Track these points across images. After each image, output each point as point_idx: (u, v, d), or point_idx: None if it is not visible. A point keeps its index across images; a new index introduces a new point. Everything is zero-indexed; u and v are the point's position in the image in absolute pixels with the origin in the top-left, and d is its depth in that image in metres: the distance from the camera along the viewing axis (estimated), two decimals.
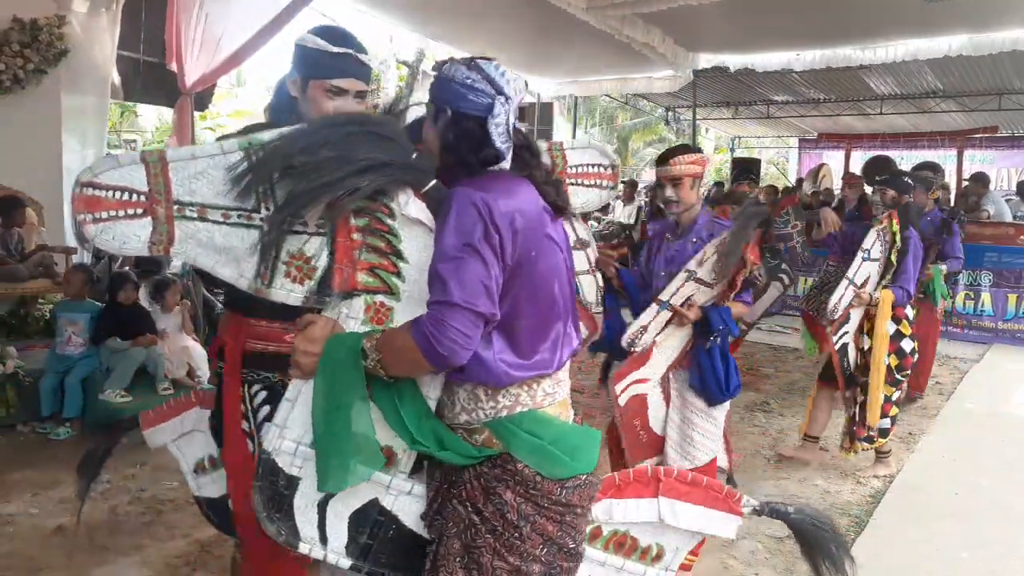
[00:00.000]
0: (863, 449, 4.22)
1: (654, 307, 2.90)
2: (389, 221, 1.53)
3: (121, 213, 1.46)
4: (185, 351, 4.83)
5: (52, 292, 5.28)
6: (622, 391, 2.92)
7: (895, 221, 3.93)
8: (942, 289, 5.52)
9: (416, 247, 1.53)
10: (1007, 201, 9.24)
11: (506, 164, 1.52)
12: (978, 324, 8.19)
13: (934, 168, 6.00)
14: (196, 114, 7.14)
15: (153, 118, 16.00)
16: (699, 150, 3.07)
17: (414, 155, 1.53)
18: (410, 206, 1.52)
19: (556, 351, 1.54)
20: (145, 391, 4.57)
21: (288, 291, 1.54)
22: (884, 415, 4.15)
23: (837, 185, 9.28)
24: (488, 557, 1.46)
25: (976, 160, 12.64)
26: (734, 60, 9.42)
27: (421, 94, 1.59)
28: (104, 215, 1.45)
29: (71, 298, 4.78)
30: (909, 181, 4.36)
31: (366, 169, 1.47)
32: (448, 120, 1.51)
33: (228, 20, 6.26)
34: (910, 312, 4.21)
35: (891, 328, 4.07)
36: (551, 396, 1.55)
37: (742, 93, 12.08)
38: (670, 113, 13.89)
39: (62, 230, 5.86)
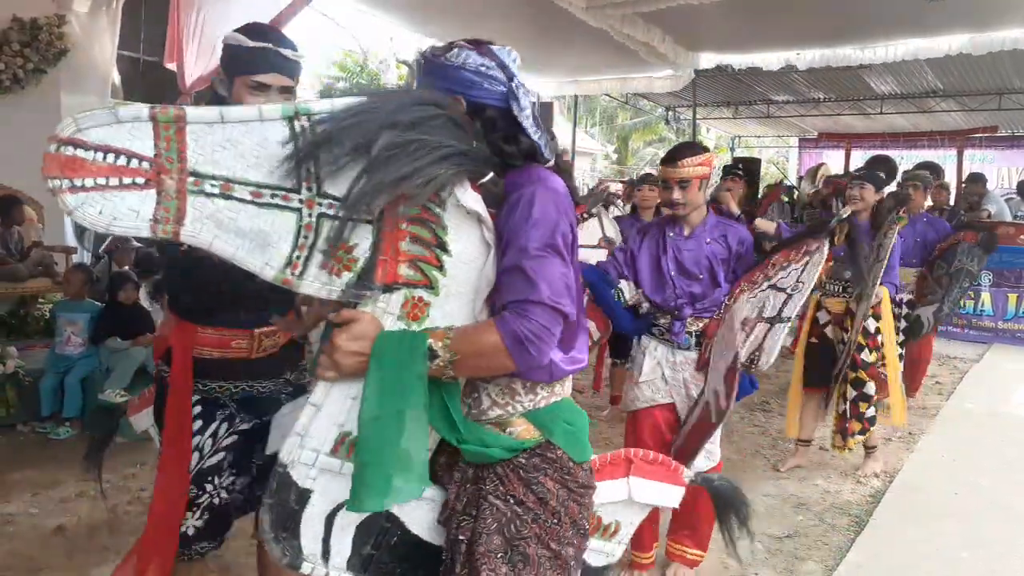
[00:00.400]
0: (856, 444, 4.23)
1: (765, 324, 2.87)
2: (438, 210, 1.37)
3: (113, 181, 1.19)
4: None
5: (52, 292, 5.29)
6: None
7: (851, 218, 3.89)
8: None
9: (461, 240, 1.39)
10: (1008, 200, 9.25)
11: (551, 158, 1.46)
12: (978, 324, 8.19)
13: (934, 168, 6.01)
14: None
15: None
16: (706, 149, 2.98)
17: (476, 144, 1.41)
18: (467, 196, 1.37)
19: (586, 343, 1.55)
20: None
21: (322, 284, 1.34)
22: (871, 405, 4.16)
23: None
24: (534, 547, 1.44)
25: (976, 160, 12.63)
26: (734, 60, 9.42)
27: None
28: (88, 182, 1.17)
29: (71, 298, 4.78)
30: (882, 176, 4.34)
31: (444, 157, 1.33)
32: (465, 111, 1.42)
33: (228, 20, 6.26)
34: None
35: (872, 325, 4.08)
36: (569, 383, 1.57)
37: (742, 93, 12.08)
38: (670, 113, 13.89)
39: (62, 230, 5.86)
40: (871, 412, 4.16)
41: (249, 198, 1.27)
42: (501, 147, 1.42)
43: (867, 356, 4.09)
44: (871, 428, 4.20)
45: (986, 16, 7.10)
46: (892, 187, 6.77)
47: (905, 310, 5.06)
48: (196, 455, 2.00)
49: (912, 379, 5.64)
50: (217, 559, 3.02)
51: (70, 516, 3.33)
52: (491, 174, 1.41)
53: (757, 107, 13.06)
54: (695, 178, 2.79)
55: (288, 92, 1.90)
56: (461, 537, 1.47)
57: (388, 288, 1.36)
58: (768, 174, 17.91)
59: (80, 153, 1.17)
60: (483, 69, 1.41)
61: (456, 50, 1.43)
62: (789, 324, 2.96)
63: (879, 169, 4.86)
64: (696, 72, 9.72)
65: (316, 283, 1.33)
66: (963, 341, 7.90)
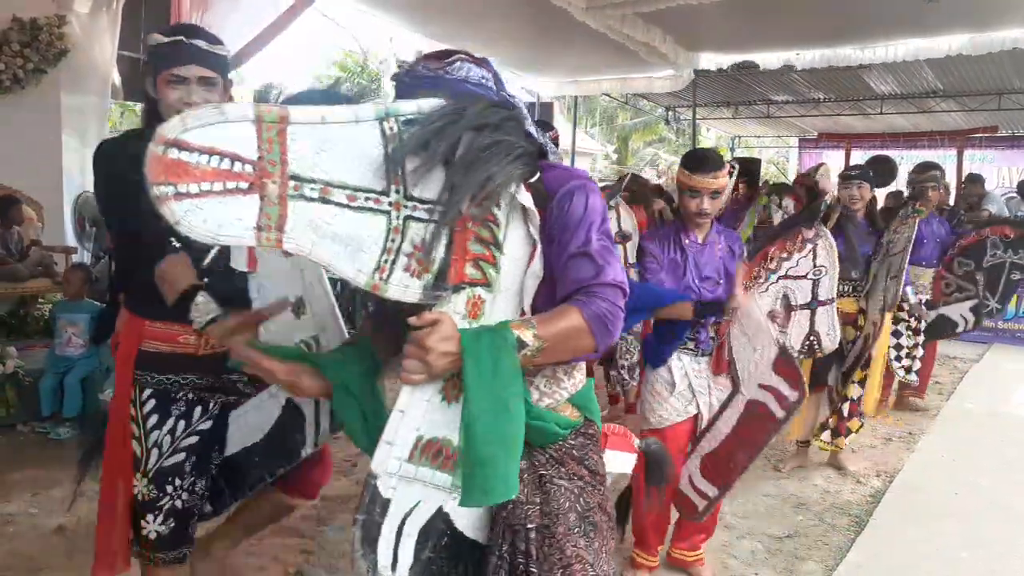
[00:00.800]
0: (844, 445, 4.25)
1: (804, 311, 3.08)
2: (496, 209, 1.39)
3: (218, 186, 1.12)
4: None
5: (52, 292, 5.29)
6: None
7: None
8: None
9: (511, 237, 1.42)
10: (1008, 200, 9.24)
11: (553, 158, 1.57)
12: None
13: (935, 168, 6.00)
14: None
15: None
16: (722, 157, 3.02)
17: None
18: (523, 194, 1.41)
19: None
20: None
21: (405, 287, 1.32)
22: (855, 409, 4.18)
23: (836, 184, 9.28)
24: (598, 515, 1.56)
25: (976, 160, 12.62)
26: (734, 60, 9.41)
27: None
28: (194, 188, 1.10)
29: (70, 298, 4.78)
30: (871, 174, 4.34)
31: (518, 157, 1.38)
32: None
33: (230, 20, 6.26)
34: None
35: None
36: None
37: (742, 93, 12.07)
38: (670, 113, 13.88)
39: (62, 230, 5.86)
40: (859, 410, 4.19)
41: (345, 202, 1.24)
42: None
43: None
44: (855, 431, 4.22)
45: (986, 16, 7.10)
46: (893, 187, 6.78)
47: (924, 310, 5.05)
48: (155, 452, 2.02)
49: (922, 380, 5.64)
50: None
51: (70, 516, 3.33)
52: (539, 174, 1.48)
53: (757, 107, 13.05)
54: (723, 188, 2.82)
55: (208, 83, 1.96)
56: (530, 525, 1.50)
57: (457, 288, 1.37)
58: (768, 174, 17.90)
59: (184, 156, 1.10)
60: (484, 81, 1.48)
61: (458, 63, 1.47)
62: (833, 304, 3.16)
63: (879, 169, 4.86)
64: (696, 72, 9.72)
65: (399, 287, 1.31)
66: (963, 341, 7.87)
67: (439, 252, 1.34)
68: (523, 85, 10.38)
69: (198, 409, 2.09)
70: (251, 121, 1.14)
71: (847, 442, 4.26)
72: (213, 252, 1.98)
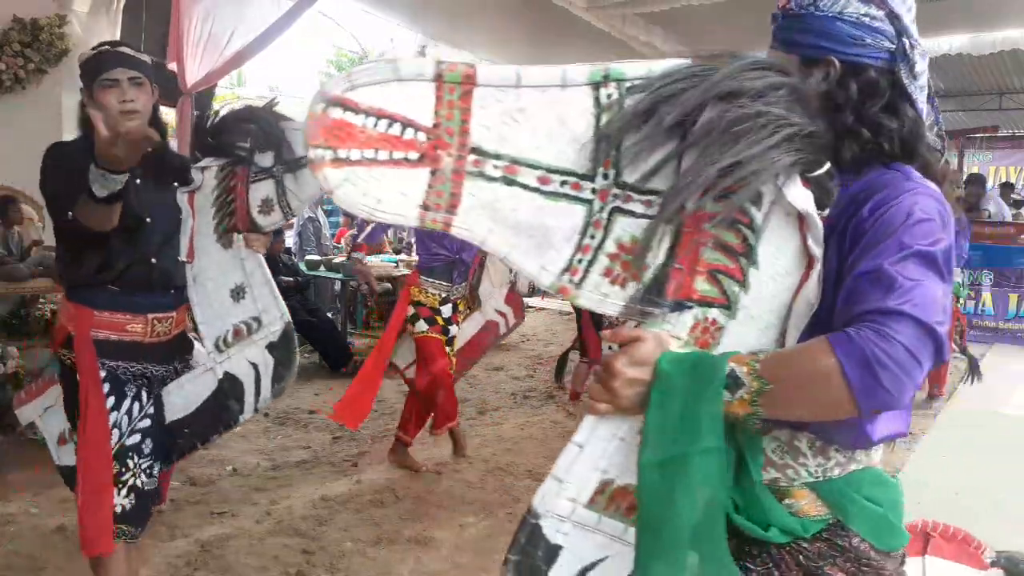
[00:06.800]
0: None
1: None
2: (753, 211, 1.06)
3: (383, 155, 0.97)
4: None
5: (52, 292, 5.28)
6: None
7: None
8: None
9: (772, 248, 1.07)
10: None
11: (933, 152, 1.17)
12: (979, 324, 8.19)
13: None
14: (196, 114, 7.14)
15: None
16: None
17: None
18: (795, 192, 1.05)
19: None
20: None
21: (604, 295, 1.09)
22: None
23: None
24: None
25: (976, 160, 12.63)
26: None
27: None
28: (355, 155, 0.96)
29: None
30: None
31: (786, 139, 1.01)
32: (838, 74, 1.12)
33: (231, 20, 6.26)
34: None
35: None
36: (881, 450, 1.19)
37: None
38: None
39: None
40: None
41: (535, 184, 1.03)
42: (880, 122, 1.11)
43: None
44: None
45: (986, 16, 7.10)
46: None
47: None
48: (116, 432, 2.15)
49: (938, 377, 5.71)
50: (218, 559, 3.03)
51: (70, 516, 3.32)
52: (828, 165, 1.09)
53: None
54: None
55: (137, 83, 2.15)
56: None
57: (679, 305, 1.08)
58: None
59: (349, 117, 0.96)
60: (866, 20, 1.10)
61: None
62: None
63: None
64: None
65: (595, 294, 1.08)
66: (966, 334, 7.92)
67: (656, 257, 1.07)
68: None
69: (145, 392, 2.25)
70: (429, 80, 0.98)
71: None
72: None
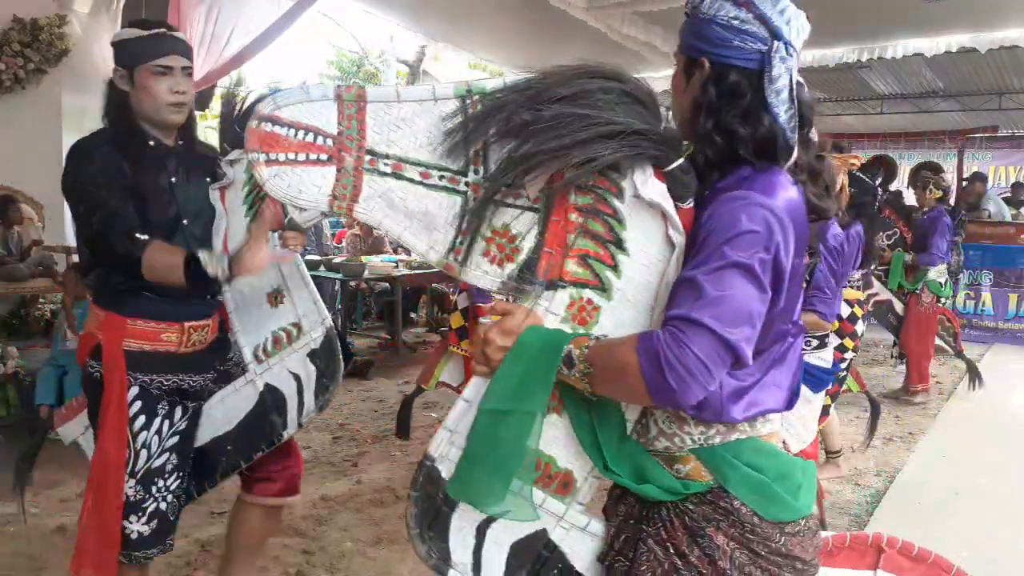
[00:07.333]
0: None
1: None
2: (616, 202, 1.22)
3: (302, 157, 1.24)
4: None
5: (52, 292, 5.28)
6: None
7: None
8: (899, 275, 5.59)
9: (640, 237, 1.22)
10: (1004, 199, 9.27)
11: (789, 158, 1.20)
12: (979, 324, 8.20)
13: (935, 168, 6.03)
14: (196, 114, 7.15)
15: None
16: None
17: (664, 125, 1.22)
18: (648, 186, 1.19)
19: (785, 385, 1.28)
20: None
21: (483, 272, 1.29)
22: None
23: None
24: None
25: (976, 160, 12.64)
26: None
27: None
28: (281, 157, 1.24)
29: (75, 298, 4.79)
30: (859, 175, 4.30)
31: (612, 135, 1.15)
32: (706, 76, 1.20)
33: (231, 20, 6.26)
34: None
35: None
36: (771, 423, 1.27)
37: None
38: (671, 113, 13.87)
39: (62, 230, 5.85)
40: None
41: (418, 179, 1.27)
42: (733, 128, 1.18)
43: None
44: (818, 428, 4.16)
45: (986, 16, 7.10)
46: (894, 187, 6.79)
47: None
48: (144, 453, 2.01)
49: (910, 375, 5.79)
50: (219, 559, 3.03)
51: (71, 516, 3.33)
52: (680, 160, 1.20)
53: None
54: None
55: (188, 73, 2.03)
56: None
57: (552, 285, 1.25)
58: None
59: (276, 129, 1.24)
60: (735, 23, 1.16)
61: (709, 0, 1.20)
62: None
63: (880, 169, 4.86)
64: None
65: (478, 271, 1.29)
66: (963, 341, 7.88)
67: (527, 241, 1.26)
68: None
69: (179, 409, 2.09)
70: (332, 100, 1.25)
71: (847, 442, 4.24)
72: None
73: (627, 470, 1.26)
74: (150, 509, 2.03)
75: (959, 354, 6.06)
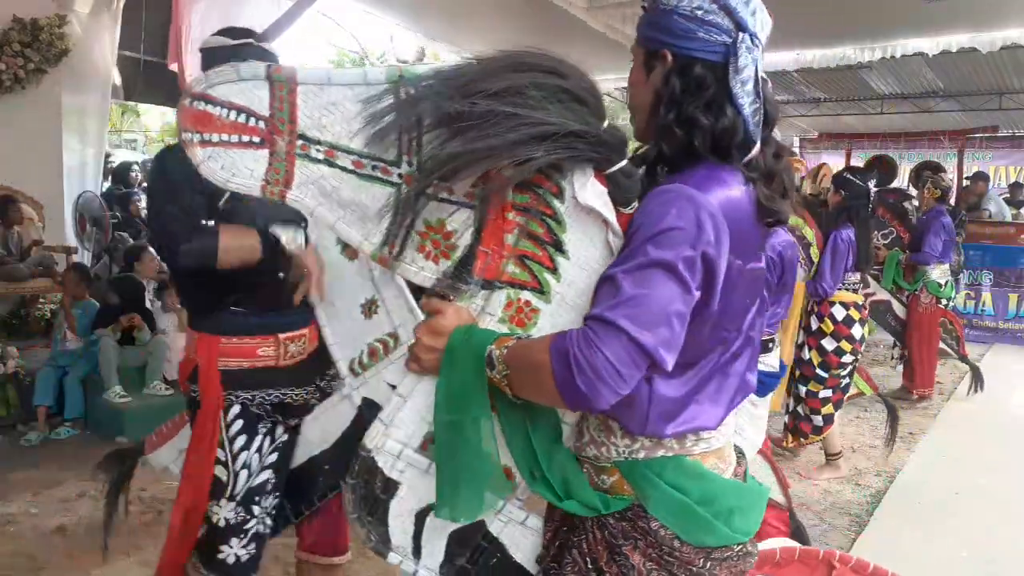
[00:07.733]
0: (810, 443, 4.27)
1: None
2: (556, 204, 1.18)
3: (234, 138, 1.19)
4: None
5: (52, 292, 5.29)
6: None
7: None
8: (893, 273, 5.59)
9: (581, 241, 1.19)
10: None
11: (747, 154, 1.15)
12: (979, 324, 8.20)
13: (936, 168, 6.04)
14: None
15: (157, 117, 16.00)
16: None
17: (605, 124, 1.17)
18: (587, 189, 1.16)
19: (726, 401, 1.22)
20: (144, 391, 4.59)
21: (419, 268, 1.24)
22: (815, 412, 4.15)
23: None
24: None
25: (976, 160, 12.64)
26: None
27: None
28: (215, 138, 1.18)
29: (74, 298, 4.80)
30: (850, 178, 4.29)
31: (547, 136, 1.09)
32: (668, 68, 1.15)
33: (231, 21, 6.26)
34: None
35: (814, 324, 4.11)
36: (705, 442, 1.20)
37: None
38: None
39: (62, 229, 5.86)
40: (818, 420, 4.15)
41: (351, 167, 1.21)
42: (695, 117, 1.13)
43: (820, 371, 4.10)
44: (820, 436, 4.18)
45: (986, 16, 7.10)
46: (894, 185, 6.80)
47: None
48: (244, 473, 1.96)
49: (911, 378, 5.76)
50: None
51: (71, 516, 3.33)
52: (623, 163, 1.16)
53: None
54: None
55: None
56: None
57: (489, 285, 1.22)
58: None
59: (209, 108, 1.18)
60: (699, 13, 1.12)
61: None
62: None
63: (879, 170, 4.87)
64: None
65: (413, 266, 1.25)
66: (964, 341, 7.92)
67: (464, 238, 1.21)
68: None
69: (280, 427, 2.04)
70: (263, 79, 1.18)
71: (809, 441, 4.26)
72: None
73: (558, 480, 1.22)
74: (251, 531, 1.97)
75: (963, 358, 6.06)
